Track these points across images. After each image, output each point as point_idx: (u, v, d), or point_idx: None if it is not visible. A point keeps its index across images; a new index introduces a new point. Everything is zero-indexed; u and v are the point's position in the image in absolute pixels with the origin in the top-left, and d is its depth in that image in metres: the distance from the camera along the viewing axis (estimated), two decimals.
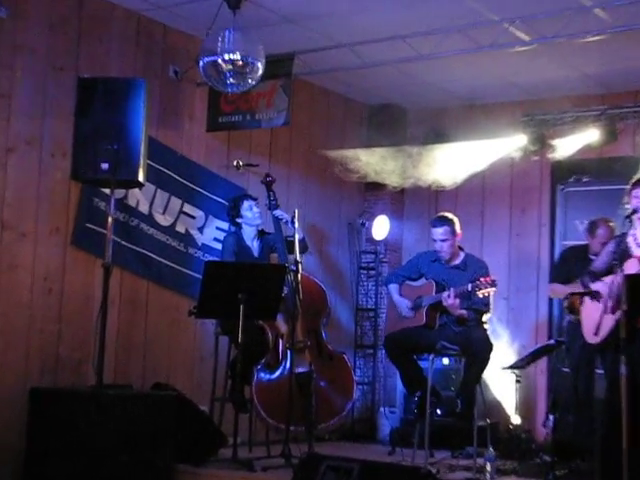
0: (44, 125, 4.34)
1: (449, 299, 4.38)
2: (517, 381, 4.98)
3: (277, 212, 4.66)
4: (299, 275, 4.21)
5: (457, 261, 4.60)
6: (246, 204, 4.68)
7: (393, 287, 4.77)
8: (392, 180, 5.60)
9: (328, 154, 5.68)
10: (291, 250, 4.50)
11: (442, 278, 4.56)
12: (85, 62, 4.51)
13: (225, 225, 5.23)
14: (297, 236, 4.37)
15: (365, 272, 6.32)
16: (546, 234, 5.88)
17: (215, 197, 5.23)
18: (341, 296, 6.14)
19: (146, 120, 3.95)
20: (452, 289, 4.39)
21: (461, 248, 4.65)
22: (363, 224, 6.24)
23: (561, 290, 4.62)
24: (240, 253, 4.64)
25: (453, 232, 4.53)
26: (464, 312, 4.45)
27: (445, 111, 6.07)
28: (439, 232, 4.51)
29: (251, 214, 4.68)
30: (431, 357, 4.50)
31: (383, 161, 5.56)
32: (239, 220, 4.71)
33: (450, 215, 4.60)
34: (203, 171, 5.18)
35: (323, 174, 5.97)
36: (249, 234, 4.72)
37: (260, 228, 4.79)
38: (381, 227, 6.20)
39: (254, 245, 4.73)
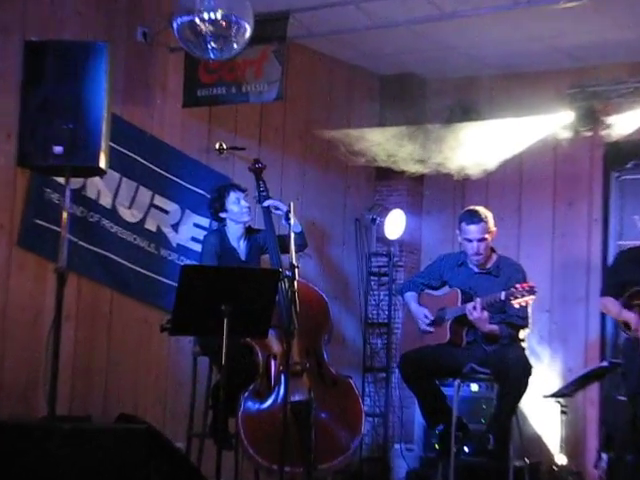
0: None
1: (475, 312, 4.38)
2: (562, 412, 4.99)
3: (269, 201, 4.66)
4: (296, 282, 4.21)
5: (488, 265, 4.61)
6: (233, 196, 4.68)
7: (410, 296, 4.78)
8: (409, 166, 5.60)
9: (331, 135, 5.69)
10: (285, 251, 4.51)
11: (469, 286, 4.58)
12: (34, 22, 4.51)
13: (205, 222, 5.24)
14: (293, 229, 4.37)
15: (376, 279, 6.33)
16: (598, 232, 5.88)
17: (193, 188, 5.24)
18: (346, 308, 6.16)
19: (109, 94, 3.94)
20: (478, 299, 4.40)
21: (493, 250, 4.66)
22: (373, 220, 6.26)
23: (615, 310, 4.58)
24: (224, 255, 4.64)
25: (488, 230, 4.53)
26: (495, 327, 4.46)
27: (474, 82, 6.08)
28: (475, 230, 4.50)
29: (238, 208, 4.68)
30: (457, 382, 4.53)
31: (398, 143, 5.57)
32: (223, 215, 4.72)
33: (483, 209, 4.61)
34: (178, 156, 5.19)
35: (325, 159, 5.98)
36: (235, 232, 4.73)
37: (248, 225, 4.80)
38: (395, 224, 6.22)
39: (241, 246, 4.73)
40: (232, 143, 5.15)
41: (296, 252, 4.32)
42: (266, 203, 4.68)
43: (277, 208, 4.65)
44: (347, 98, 6.20)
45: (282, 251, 4.59)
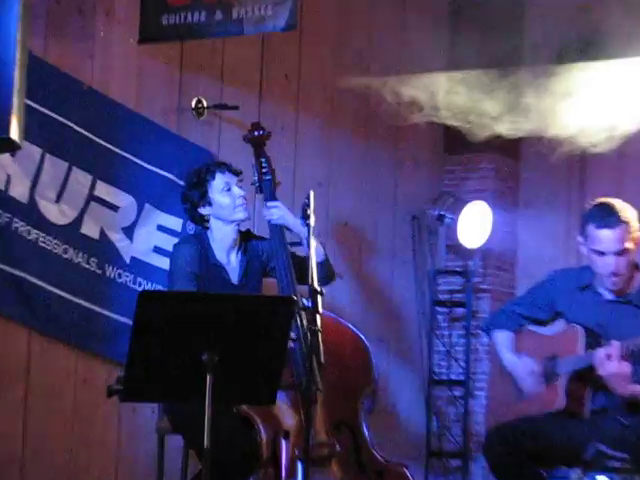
0: None
1: (609, 363, 4.40)
2: None
3: (272, 205, 4.66)
4: (319, 317, 4.20)
5: (630, 290, 4.63)
6: (219, 180, 4.71)
7: (503, 338, 4.81)
8: (497, 130, 5.58)
9: (372, 83, 5.68)
10: (302, 276, 4.49)
11: (598, 321, 4.58)
12: None
13: (177, 223, 5.30)
14: (314, 257, 4.35)
15: (446, 310, 6.36)
16: None
17: (157, 169, 5.28)
18: (400, 356, 6.18)
19: (24, 24, 3.96)
20: (614, 344, 4.41)
21: (637, 267, 4.67)
22: (441, 218, 6.28)
23: None
24: (205, 276, 4.67)
25: (631, 237, 4.53)
26: (639, 389, 4.46)
27: (598, 2, 6.05)
28: (611, 237, 4.50)
29: (229, 200, 4.71)
30: (577, 474, 4.51)
31: (480, 95, 5.55)
32: (204, 212, 4.74)
33: (621, 204, 4.58)
34: (133, 119, 5.23)
35: (362, 123, 6.00)
36: (223, 239, 4.76)
37: (246, 228, 4.83)
38: (476, 224, 6.25)
39: (232, 261, 4.77)
40: (217, 100, 5.17)
41: (319, 283, 4.30)
42: (270, 206, 4.66)
43: (289, 227, 4.66)
44: (398, 26, 6.21)
45: (299, 277, 4.58)
